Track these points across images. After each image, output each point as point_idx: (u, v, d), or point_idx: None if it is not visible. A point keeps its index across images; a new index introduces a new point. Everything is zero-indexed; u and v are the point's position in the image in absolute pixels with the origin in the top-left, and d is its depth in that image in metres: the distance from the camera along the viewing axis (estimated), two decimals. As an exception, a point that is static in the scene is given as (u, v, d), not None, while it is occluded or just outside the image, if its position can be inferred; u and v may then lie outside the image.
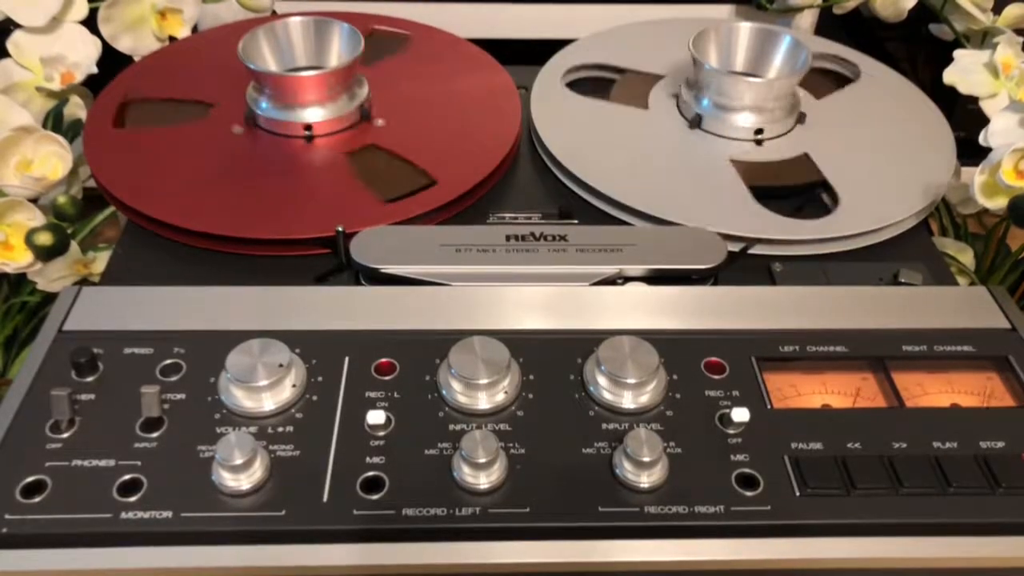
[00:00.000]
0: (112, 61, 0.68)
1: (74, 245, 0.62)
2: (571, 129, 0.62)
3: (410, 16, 0.73)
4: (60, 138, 0.61)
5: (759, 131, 0.61)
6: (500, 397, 0.42)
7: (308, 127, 0.60)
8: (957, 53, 0.68)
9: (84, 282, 0.63)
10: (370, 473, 0.39)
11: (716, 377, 0.44)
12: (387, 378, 0.43)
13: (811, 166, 0.59)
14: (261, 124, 0.60)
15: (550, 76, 0.67)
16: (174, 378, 0.43)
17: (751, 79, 0.61)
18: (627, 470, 0.39)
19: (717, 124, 0.62)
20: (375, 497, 0.39)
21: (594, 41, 0.72)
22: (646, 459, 0.38)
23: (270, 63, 0.61)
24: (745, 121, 0.61)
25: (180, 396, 0.42)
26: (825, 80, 0.70)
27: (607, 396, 0.42)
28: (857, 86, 0.68)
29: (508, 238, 0.52)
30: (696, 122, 0.62)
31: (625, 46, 0.72)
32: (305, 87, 0.59)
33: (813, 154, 0.60)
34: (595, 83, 0.69)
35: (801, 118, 0.63)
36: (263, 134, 0.60)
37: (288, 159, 0.58)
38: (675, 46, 0.68)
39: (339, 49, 0.62)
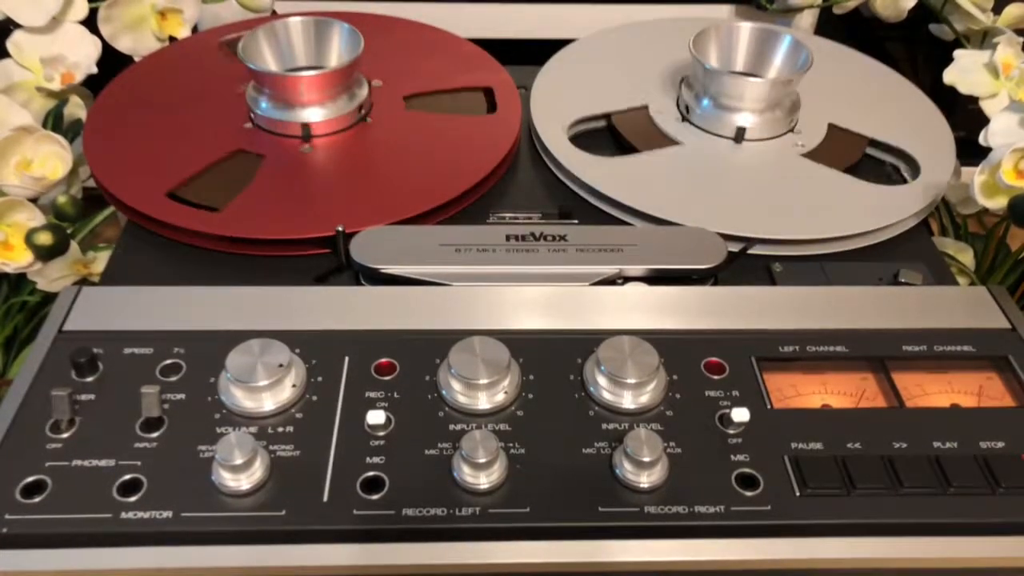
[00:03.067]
0: (112, 61, 0.68)
1: (74, 245, 0.62)
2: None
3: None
4: (60, 138, 0.61)
5: (741, 130, 0.61)
6: (500, 397, 0.42)
7: (306, 126, 0.59)
8: (957, 53, 0.68)
9: (84, 282, 0.63)
10: (370, 473, 0.39)
11: (716, 377, 0.44)
12: (387, 378, 0.43)
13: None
14: (261, 124, 0.60)
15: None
16: (174, 378, 0.43)
17: (750, 79, 0.61)
18: (627, 470, 0.39)
19: (703, 119, 0.62)
20: (375, 497, 0.39)
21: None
22: (646, 459, 0.38)
23: (270, 63, 0.61)
24: (731, 119, 0.61)
25: (180, 396, 0.42)
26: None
27: (607, 396, 0.42)
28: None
29: (508, 238, 0.52)
30: (685, 115, 0.63)
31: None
32: (303, 87, 0.59)
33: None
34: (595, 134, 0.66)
35: (794, 126, 0.62)
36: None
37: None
38: (675, 47, 0.68)
39: (339, 49, 0.62)
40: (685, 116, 0.63)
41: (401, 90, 0.65)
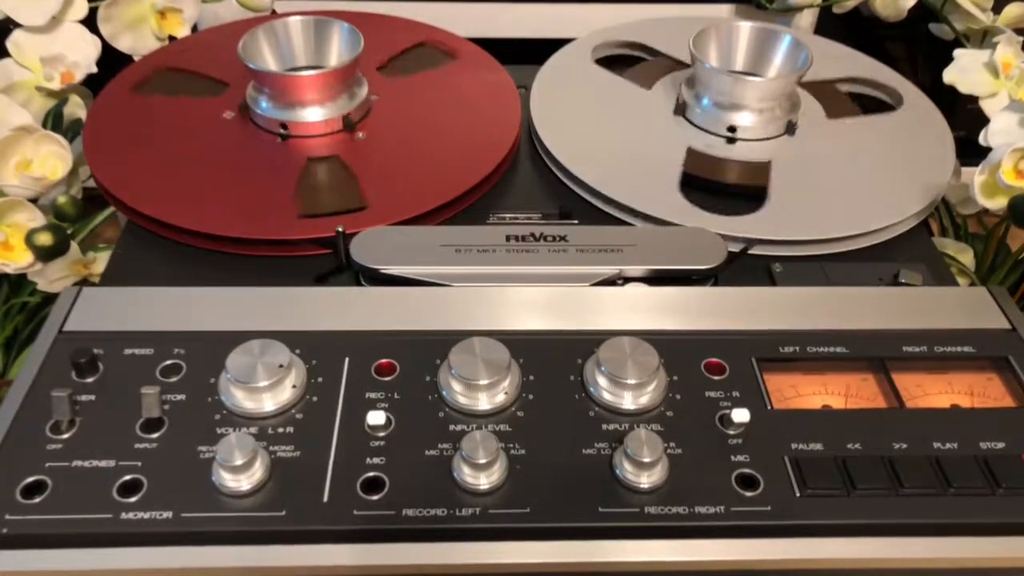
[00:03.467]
0: (112, 61, 0.68)
1: (74, 245, 0.62)
2: (571, 128, 0.62)
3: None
4: (60, 138, 0.61)
5: (732, 128, 0.61)
6: (500, 398, 0.42)
7: (283, 125, 0.60)
8: (957, 53, 0.68)
9: (84, 282, 0.64)
10: (370, 473, 0.39)
11: (716, 378, 0.44)
12: (387, 379, 0.43)
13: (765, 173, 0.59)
14: (260, 123, 0.60)
15: (563, 61, 0.68)
16: (174, 379, 0.43)
17: (749, 78, 0.61)
18: (627, 471, 0.39)
19: (697, 116, 0.62)
20: (375, 497, 0.39)
21: (634, 26, 0.74)
22: (646, 460, 0.38)
23: (270, 63, 0.61)
24: (724, 117, 0.61)
25: (180, 397, 0.42)
26: (851, 102, 0.68)
27: (607, 397, 0.42)
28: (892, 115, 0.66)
29: (508, 238, 0.52)
30: (680, 110, 0.63)
31: (664, 34, 0.73)
32: (303, 87, 0.59)
33: (780, 162, 0.60)
34: (622, 61, 0.71)
35: (791, 128, 0.62)
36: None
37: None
38: (675, 47, 0.68)
39: (339, 49, 0.62)
40: (680, 112, 0.63)
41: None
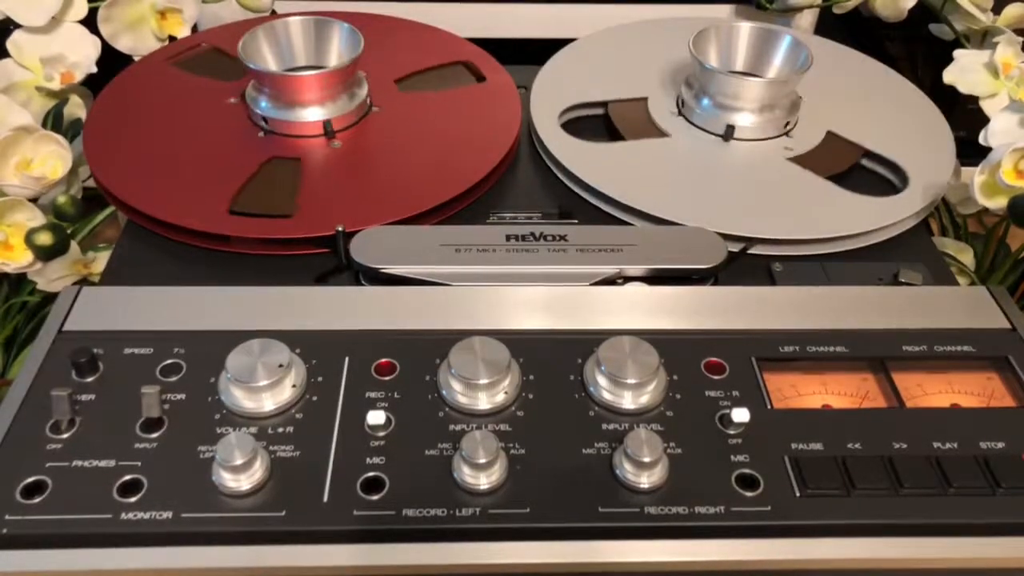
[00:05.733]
0: (112, 61, 0.67)
1: (74, 245, 0.62)
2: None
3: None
4: (60, 138, 0.61)
5: (730, 128, 0.61)
6: (500, 397, 0.42)
7: (264, 120, 0.60)
8: (957, 53, 0.68)
9: (84, 282, 0.63)
10: (370, 473, 0.39)
11: (716, 377, 0.44)
12: (387, 378, 0.43)
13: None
14: (259, 123, 0.60)
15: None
16: (174, 378, 0.43)
17: (750, 78, 0.61)
18: (627, 470, 0.39)
19: (696, 115, 0.62)
20: (375, 497, 0.39)
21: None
22: (646, 459, 0.38)
23: (270, 63, 0.61)
24: (723, 118, 0.61)
25: (180, 396, 0.42)
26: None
27: (607, 396, 0.42)
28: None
29: (508, 238, 0.52)
30: (680, 110, 0.63)
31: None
32: (303, 87, 0.59)
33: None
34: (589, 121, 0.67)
35: (791, 128, 0.62)
36: (254, 128, 0.60)
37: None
38: (674, 46, 0.68)
39: (339, 49, 0.62)
40: (686, 118, 0.63)
41: (412, 103, 0.65)
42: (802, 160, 0.60)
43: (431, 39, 0.71)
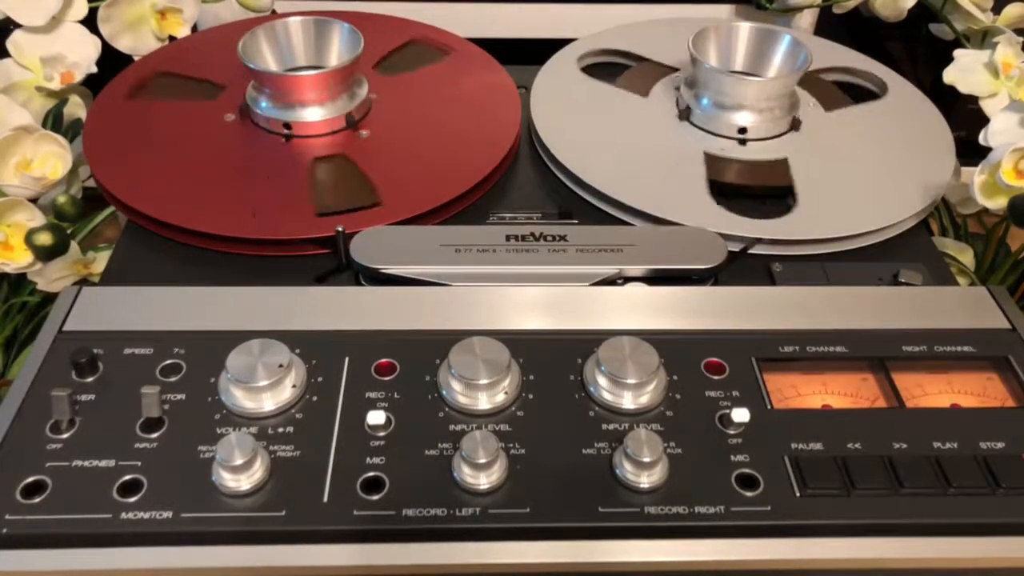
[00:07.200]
0: (112, 61, 0.67)
1: (74, 245, 0.62)
2: (571, 128, 0.62)
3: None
4: (60, 138, 0.61)
5: (743, 130, 0.61)
6: (500, 397, 0.42)
7: (287, 125, 0.60)
8: (957, 53, 0.68)
9: (84, 282, 0.63)
10: (370, 473, 0.39)
11: (716, 377, 0.44)
12: (387, 378, 0.43)
13: (785, 171, 0.59)
14: (261, 124, 0.60)
15: (555, 69, 0.68)
16: (174, 378, 0.43)
17: (748, 78, 0.61)
18: (627, 470, 0.39)
19: (704, 119, 0.62)
20: (375, 497, 0.39)
21: (613, 33, 0.73)
22: (646, 459, 0.38)
23: (270, 62, 0.61)
24: (731, 119, 0.61)
25: (180, 396, 0.42)
26: (840, 93, 0.68)
27: (607, 396, 0.42)
28: (878, 103, 0.67)
29: (508, 238, 0.52)
30: (685, 115, 0.62)
31: (645, 39, 0.72)
32: (303, 87, 0.59)
33: (793, 160, 0.60)
34: (608, 68, 0.71)
35: (796, 124, 0.62)
36: (265, 135, 0.60)
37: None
38: (675, 47, 0.68)
39: (339, 49, 0.62)
40: (685, 117, 0.63)
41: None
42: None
43: (382, 25, 0.72)
